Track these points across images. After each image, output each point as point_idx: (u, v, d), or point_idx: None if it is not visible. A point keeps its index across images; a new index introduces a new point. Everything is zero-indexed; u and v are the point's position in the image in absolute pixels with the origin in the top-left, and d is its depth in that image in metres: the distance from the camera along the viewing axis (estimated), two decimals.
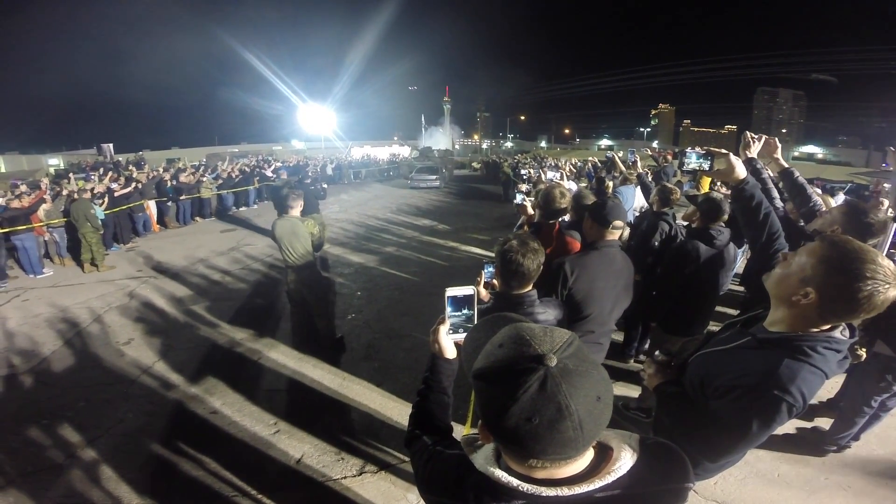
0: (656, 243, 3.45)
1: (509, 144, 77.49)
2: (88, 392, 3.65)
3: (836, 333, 1.08)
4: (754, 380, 1.07)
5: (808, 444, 2.88)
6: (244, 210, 13.21)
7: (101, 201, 8.33)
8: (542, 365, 0.62)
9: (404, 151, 33.50)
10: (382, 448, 2.95)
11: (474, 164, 32.17)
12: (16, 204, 7.19)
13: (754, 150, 2.15)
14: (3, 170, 23.96)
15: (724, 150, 1.62)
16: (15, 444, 3.03)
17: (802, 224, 2.33)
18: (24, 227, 6.88)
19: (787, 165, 2.33)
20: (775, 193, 2.29)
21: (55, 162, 26.88)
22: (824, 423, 3.00)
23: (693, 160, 1.72)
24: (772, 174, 2.40)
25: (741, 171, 1.54)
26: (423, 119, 40.26)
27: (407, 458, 2.80)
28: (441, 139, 39.77)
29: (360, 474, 2.74)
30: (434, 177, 18.74)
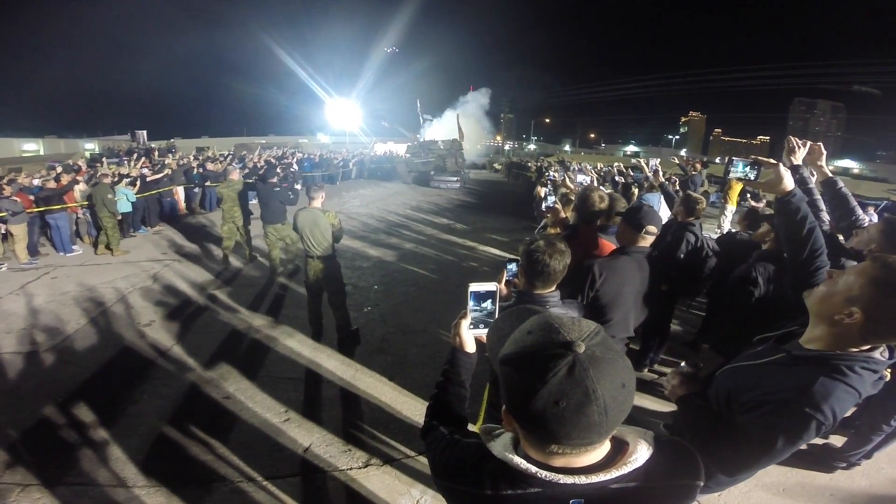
0: (682, 255, 3.34)
1: (532, 147, 76.94)
2: (107, 372, 3.75)
3: (876, 354, 1.05)
4: (785, 396, 1.05)
5: (817, 459, 2.82)
6: None
7: (133, 186, 8.60)
8: (570, 351, 0.64)
9: (399, 149, 27.37)
10: (389, 442, 2.96)
11: (496, 166, 32.04)
12: (51, 185, 7.50)
13: (799, 157, 2.00)
14: (42, 152, 24.90)
15: (772, 160, 1.56)
16: (29, 421, 3.10)
17: (841, 239, 2.22)
18: (58, 206, 7.16)
19: (830, 174, 2.20)
20: (822, 206, 2.12)
21: (91, 146, 27.83)
22: (836, 439, 2.93)
23: (739, 169, 1.66)
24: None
25: (789, 183, 1.49)
26: (418, 105, 28.34)
27: (413, 454, 2.81)
28: (448, 127, 29.91)
29: (366, 466, 2.75)
30: (455, 178, 18.59)
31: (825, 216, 2.15)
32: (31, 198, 7.15)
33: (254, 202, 7.22)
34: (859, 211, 2.18)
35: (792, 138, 2.02)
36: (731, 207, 9.04)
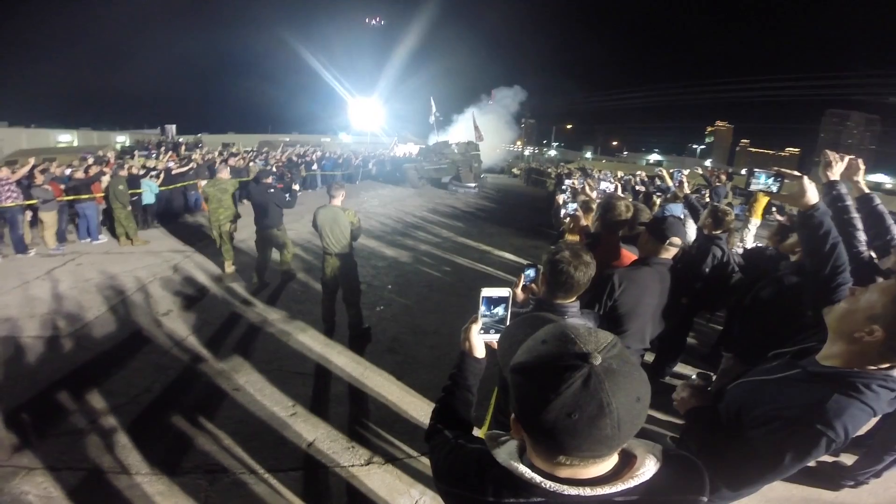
0: (707, 269, 3.22)
1: (553, 153, 76.52)
2: (122, 359, 3.83)
3: (894, 373, 1.03)
4: (798, 412, 1.03)
5: (825, 476, 2.75)
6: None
7: (157, 178, 8.84)
8: (586, 363, 0.63)
9: (412, 150, 25.21)
10: (393, 441, 2.96)
11: (514, 170, 31.90)
12: (79, 175, 7.79)
13: (836, 172, 1.84)
14: (76, 144, 25.81)
15: (797, 172, 1.51)
16: (43, 405, 3.19)
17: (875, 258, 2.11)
18: (87, 196, 7.41)
19: (867, 190, 2.11)
20: (859, 225, 1.89)
21: (122, 139, 28.78)
22: (846, 457, 2.86)
23: (762, 181, 1.60)
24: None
25: (813, 197, 1.45)
26: (431, 103, 24.24)
27: (415, 454, 2.81)
28: (462, 130, 27.25)
29: (368, 464, 2.76)
30: (472, 185, 18.22)
31: (862, 236, 2.01)
32: (62, 187, 7.42)
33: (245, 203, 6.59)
34: (895, 230, 2.08)
35: (829, 152, 1.89)
36: (755, 221, 8.75)
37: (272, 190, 5.61)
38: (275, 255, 5.96)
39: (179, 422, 3.08)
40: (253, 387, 3.48)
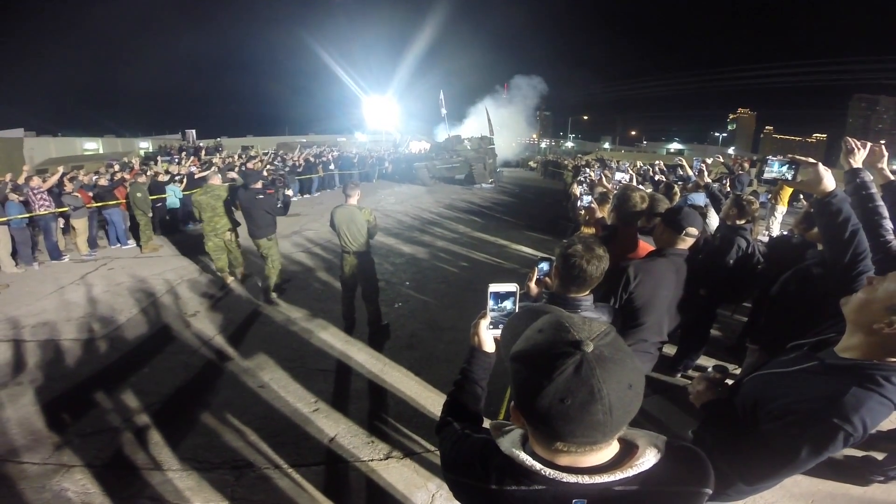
0: (731, 261, 3.12)
1: (570, 144, 75.40)
2: (153, 360, 3.97)
3: None
4: (815, 405, 1.01)
5: (853, 471, 2.66)
6: (307, 197, 13.88)
7: (180, 183, 9.09)
8: (578, 350, 0.64)
9: (422, 146, 23.72)
10: (411, 436, 3.01)
11: (531, 164, 31.62)
12: (102, 182, 8.10)
13: (858, 159, 1.76)
14: (101, 151, 26.64)
15: (811, 160, 1.48)
16: (81, 405, 3.32)
17: None
18: (113, 202, 7.67)
19: (892, 177, 2.03)
20: (885, 213, 1.75)
21: (145, 145, 29.59)
22: (877, 452, 2.77)
23: (775, 168, 1.58)
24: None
25: (829, 184, 1.42)
26: (441, 97, 23.28)
27: (432, 448, 2.84)
28: (475, 124, 25.70)
29: (387, 459, 2.81)
30: (489, 182, 18.03)
31: (889, 224, 1.93)
32: (90, 194, 7.70)
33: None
34: None
35: (850, 139, 1.82)
36: (781, 209, 8.52)
37: (261, 196, 5.17)
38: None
39: (208, 419, 3.18)
40: (277, 384, 3.57)
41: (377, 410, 3.29)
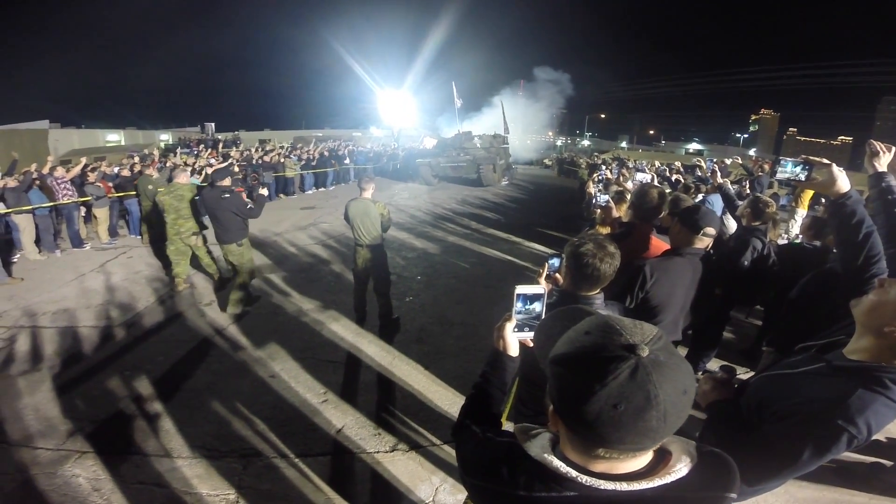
0: (745, 262, 3.06)
1: (586, 143, 74.50)
2: (168, 348, 4.05)
3: None
4: (819, 406, 1.00)
5: (859, 477, 2.60)
6: (322, 190, 14.02)
7: (199, 175, 9.24)
8: (634, 354, 0.62)
9: (428, 144, 20.46)
10: (417, 429, 3.03)
11: (546, 161, 31.34)
12: (125, 173, 8.35)
13: (883, 163, 1.71)
14: (122, 142, 27.16)
15: (825, 160, 1.44)
16: (96, 392, 3.40)
17: None
18: (133, 193, 7.84)
19: None
20: None
21: (165, 137, 30.09)
22: (886, 459, 2.70)
23: (788, 169, 1.55)
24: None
25: (844, 185, 1.39)
26: (454, 90, 21.73)
27: (438, 442, 2.86)
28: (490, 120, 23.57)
29: (392, 451, 2.83)
30: (502, 182, 17.45)
31: None
32: (111, 184, 7.89)
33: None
34: None
35: (875, 142, 1.76)
36: (801, 211, 8.31)
37: (227, 195, 4.50)
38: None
39: (218, 407, 3.24)
40: (288, 374, 3.62)
41: (385, 403, 3.32)
